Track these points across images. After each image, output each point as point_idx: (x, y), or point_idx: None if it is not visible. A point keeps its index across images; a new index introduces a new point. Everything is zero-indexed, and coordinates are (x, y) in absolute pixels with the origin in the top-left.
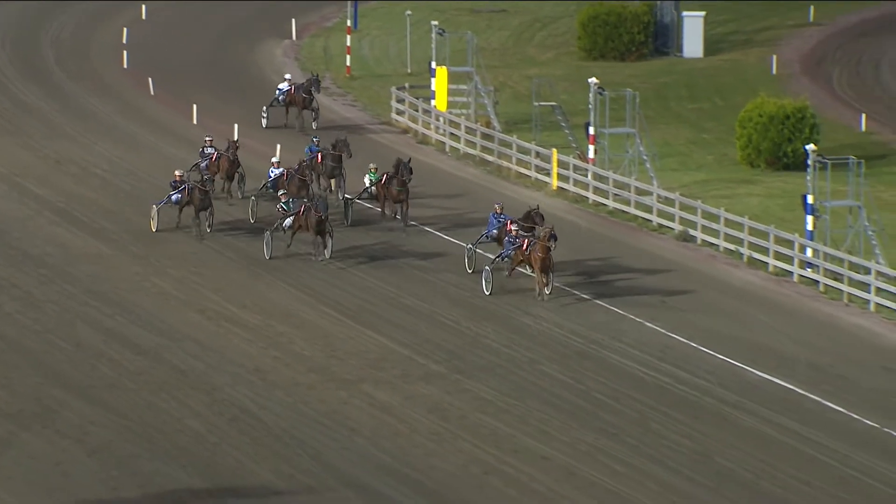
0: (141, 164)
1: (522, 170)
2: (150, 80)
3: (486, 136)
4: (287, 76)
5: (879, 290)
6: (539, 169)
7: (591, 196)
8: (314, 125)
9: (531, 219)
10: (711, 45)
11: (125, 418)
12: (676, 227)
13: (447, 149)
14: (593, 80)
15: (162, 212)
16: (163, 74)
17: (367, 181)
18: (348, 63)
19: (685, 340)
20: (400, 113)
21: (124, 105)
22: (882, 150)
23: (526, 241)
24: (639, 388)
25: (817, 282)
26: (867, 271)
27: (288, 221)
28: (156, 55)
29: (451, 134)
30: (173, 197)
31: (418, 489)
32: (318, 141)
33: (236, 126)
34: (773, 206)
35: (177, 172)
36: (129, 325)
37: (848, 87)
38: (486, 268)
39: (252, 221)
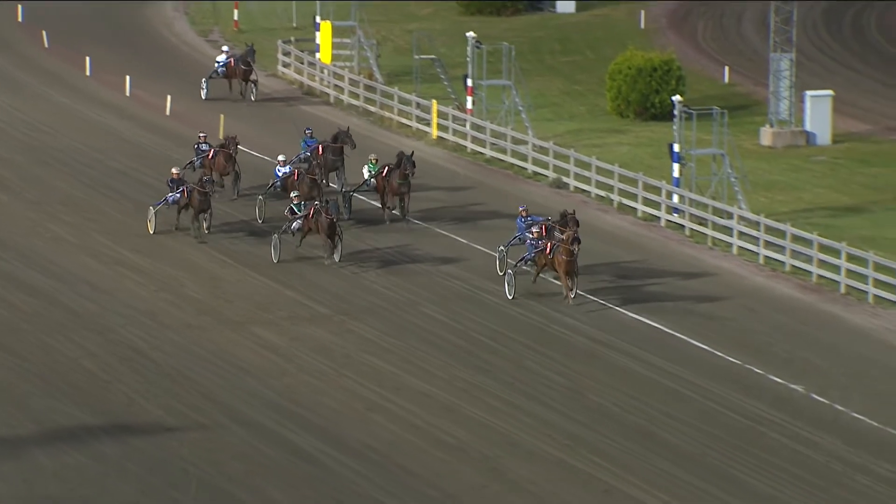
0: (36, 114)
1: (404, 120)
2: (44, 33)
3: (368, 88)
4: (224, 48)
5: (741, 234)
6: (419, 119)
7: (470, 145)
8: (252, 97)
9: (565, 221)
10: (583, 1)
11: (21, 359)
12: (550, 174)
13: (332, 100)
14: (471, 34)
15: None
16: (57, 28)
17: (366, 172)
18: (236, 17)
19: (559, 283)
20: (286, 65)
21: (19, 58)
22: (744, 100)
23: (549, 244)
24: (514, 329)
25: (683, 226)
26: (730, 216)
27: (296, 224)
28: (50, 9)
29: (336, 86)
30: (170, 198)
31: (305, 425)
32: (311, 133)
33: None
34: (642, 154)
35: (174, 170)
36: (25, 269)
37: (712, 40)
38: (509, 271)
39: (260, 222)
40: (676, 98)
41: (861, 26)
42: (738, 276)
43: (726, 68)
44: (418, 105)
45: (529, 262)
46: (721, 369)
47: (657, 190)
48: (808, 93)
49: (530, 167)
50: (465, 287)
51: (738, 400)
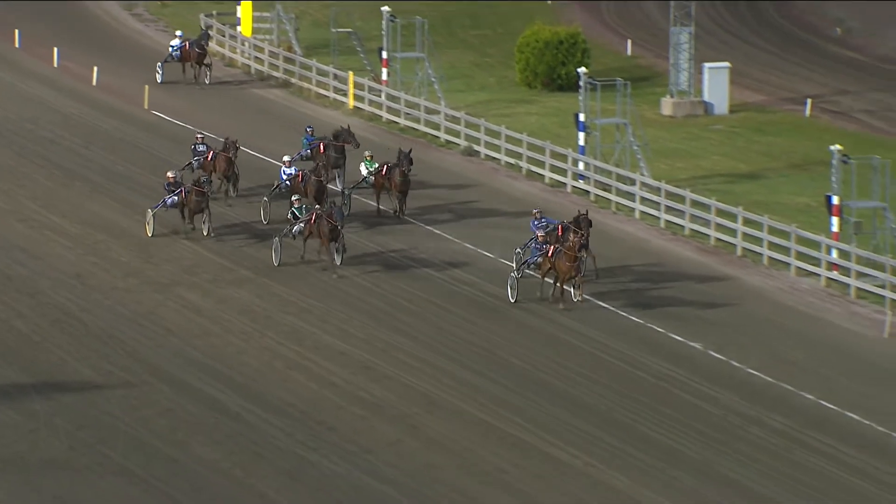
0: None
1: (322, 91)
2: None
3: (288, 60)
4: (178, 33)
5: (643, 200)
6: (337, 90)
7: (385, 115)
8: (207, 80)
9: (579, 224)
10: None
11: None
12: (462, 142)
13: (252, 71)
14: (386, 8)
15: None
16: None
17: (363, 170)
18: None
19: (472, 247)
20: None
21: None
22: (646, 72)
23: (552, 248)
24: (433, 293)
25: (588, 192)
26: (632, 182)
27: (297, 228)
28: None
29: (256, 58)
30: (168, 200)
31: (228, 383)
32: (313, 130)
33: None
34: (549, 123)
35: (169, 174)
36: None
37: (616, 15)
38: (512, 275)
39: (265, 223)
40: (582, 70)
41: (757, 2)
42: (641, 238)
43: (629, 41)
44: (335, 76)
45: (532, 266)
46: (627, 329)
47: (564, 157)
48: (707, 65)
49: (443, 136)
50: (393, 256)
51: (643, 358)
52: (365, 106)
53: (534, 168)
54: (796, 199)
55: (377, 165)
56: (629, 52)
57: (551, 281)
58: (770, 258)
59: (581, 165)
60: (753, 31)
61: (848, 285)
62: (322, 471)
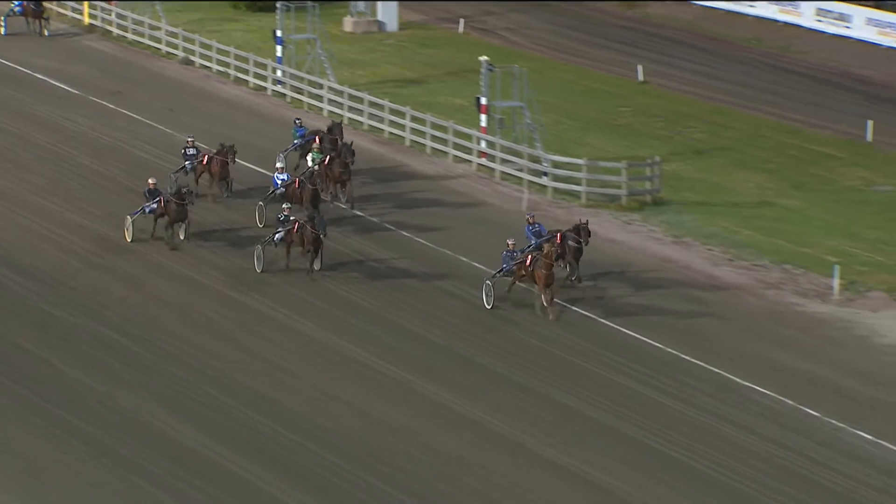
0: None
1: (61, 10)
2: None
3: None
4: None
5: (331, 101)
6: (75, 10)
7: (115, 30)
8: (46, 32)
9: (578, 232)
10: None
11: None
12: (180, 54)
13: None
14: None
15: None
16: None
17: (309, 161)
18: None
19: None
20: None
21: None
22: None
23: (530, 257)
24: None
25: (285, 94)
26: (321, 87)
27: (279, 236)
28: None
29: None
30: (147, 208)
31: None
32: (301, 122)
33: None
34: (253, 38)
35: (150, 181)
36: None
37: None
38: (487, 281)
39: (260, 226)
40: None
41: None
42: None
43: None
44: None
45: (507, 273)
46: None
47: (265, 66)
48: None
49: (164, 48)
50: (107, 139)
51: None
52: (98, 23)
53: (240, 75)
54: (453, 100)
55: (321, 156)
56: None
57: (524, 286)
58: (432, 148)
59: (279, 73)
60: None
61: (494, 169)
62: (66, 323)
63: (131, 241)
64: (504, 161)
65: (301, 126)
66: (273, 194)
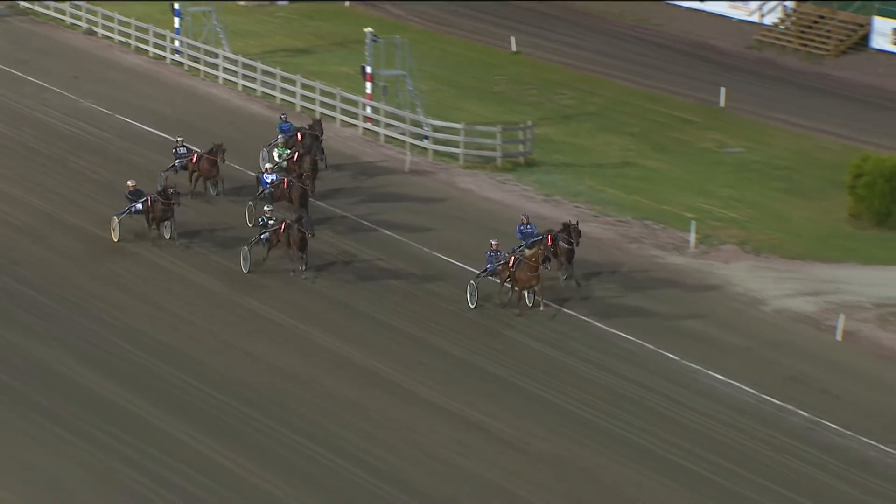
0: None
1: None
2: None
3: None
4: None
5: (226, 69)
6: None
7: (23, 3)
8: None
9: (569, 231)
10: None
11: None
12: (84, 24)
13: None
14: None
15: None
16: None
17: (276, 156)
18: None
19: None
20: None
21: None
22: None
23: (513, 258)
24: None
25: (183, 63)
26: (216, 56)
27: (265, 236)
28: None
29: None
30: (133, 208)
31: None
32: (286, 117)
33: None
34: (153, 11)
35: (130, 183)
36: None
37: None
38: (471, 281)
39: (250, 225)
40: None
41: None
42: (224, 98)
43: None
44: None
45: (490, 275)
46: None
47: (164, 37)
48: None
49: (68, 19)
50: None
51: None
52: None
53: (141, 45)
54: (340, 68)
55: (288, 152)
56: None
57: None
58: (322, 113)
59: (178, 43)
60: None
61: (378, 133)
62: None
63: (118, 240)
64: (388, 125)
65: (286, 121)
66: (262, 194)
